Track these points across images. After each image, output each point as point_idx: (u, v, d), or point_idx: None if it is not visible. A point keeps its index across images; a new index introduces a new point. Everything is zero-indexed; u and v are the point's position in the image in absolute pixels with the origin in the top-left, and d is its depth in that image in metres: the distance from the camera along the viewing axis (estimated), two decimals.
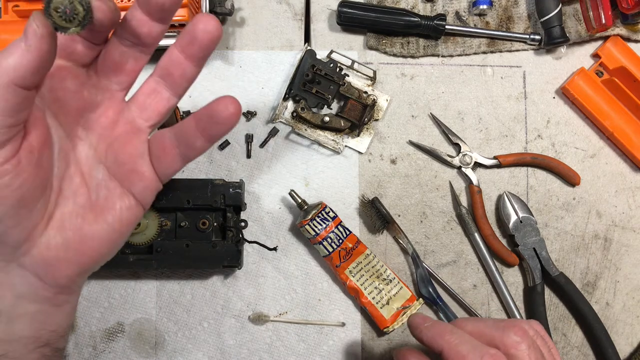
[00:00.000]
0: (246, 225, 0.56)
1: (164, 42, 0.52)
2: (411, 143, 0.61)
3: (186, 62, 0.35)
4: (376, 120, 0.61)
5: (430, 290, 0.58)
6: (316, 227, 0.55)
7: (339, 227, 0.56)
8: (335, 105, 0.61)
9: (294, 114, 0.59)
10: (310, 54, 0.58)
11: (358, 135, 0.60)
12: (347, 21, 0.59)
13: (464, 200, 0.60)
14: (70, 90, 0.33)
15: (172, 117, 0.57)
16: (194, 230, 0.56)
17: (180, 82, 0.36)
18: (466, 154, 0.60)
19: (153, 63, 0.36)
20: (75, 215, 0.35)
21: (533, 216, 0.59)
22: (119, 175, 0.36)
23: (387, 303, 0.56)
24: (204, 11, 0.56)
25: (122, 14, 0.33)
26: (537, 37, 0.61)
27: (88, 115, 0.35)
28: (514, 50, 0.62)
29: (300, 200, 0.57)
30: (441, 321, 0.45)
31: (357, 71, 0.61)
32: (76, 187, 0.35)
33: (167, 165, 0.37)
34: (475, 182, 0.60)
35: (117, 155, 0.36)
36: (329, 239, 0.56)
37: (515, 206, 0.59)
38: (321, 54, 0.59)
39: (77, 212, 0.35)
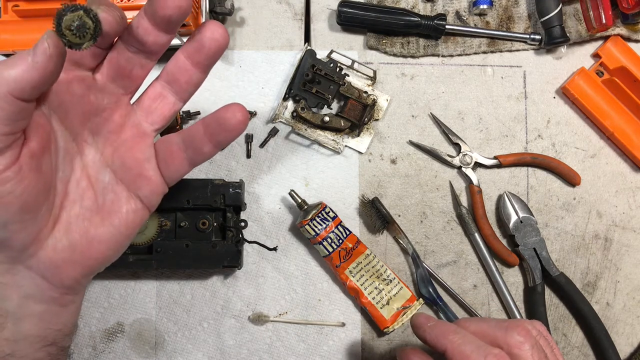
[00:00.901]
0: (246, 225, 0.56)
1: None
2: (411, 143, 0.61)
3: (193, 69, 0.35)
4: (376, 120, 0.61)
5: (431, 290, 0.58)
6: (316, 227, 0.55)
7: (339, 227, 0.56)
8: (335, 105, 0.61)
9: (294, 114, 0.59)
10: (310, 54, 0.58)
11: (358, 135, 0.60)
12: (347, 21, 0.59)
13: (464, 200, 0.60)
14: (77, 94, 0.33)
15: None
16: (194, 230, 0.56)
17: (186, 88, 0.36)
18: (466, 154, 0.60)
19: (160, 64, 0.36)
20: (81, 218, 0.35)
21: (533, 216, 0.59)
22: (125, 179, 0.36)
23: (387, 303, 0.56)
24: (203, 11, 0.56)
25: (127, 13, 0.33)
26: (538, 37, 0.61)
27: (94, 119, 0.35)
28: (514, 50, 0.62)
29: (300, 200, 0.57)
30: (444, 321, 0.45)
31: (357, 71, 0.61)
32: (83, 190, 0.35)
33: (174, 169, 0.38)
34: (475, 182, 0.59)
35: (123, 159, 0.36)
36: (329, 239, 0.56)
37: (516, 206, 0.59)
38: (321, 54, 0.59)
39: (84, 215, 0.35)
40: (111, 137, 0.36)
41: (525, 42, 0.61)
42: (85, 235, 0.35)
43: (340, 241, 0.56)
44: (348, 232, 0.57)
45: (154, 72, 0.37)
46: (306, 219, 0.55)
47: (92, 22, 0.28)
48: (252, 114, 0.60)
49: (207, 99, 0.61)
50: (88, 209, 0.35)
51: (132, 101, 0.37)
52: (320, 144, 0.60)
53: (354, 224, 0.60)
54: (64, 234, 0.34)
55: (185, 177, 0.59)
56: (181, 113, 0.59)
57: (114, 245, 0.36)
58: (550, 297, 0.60)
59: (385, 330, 0.56)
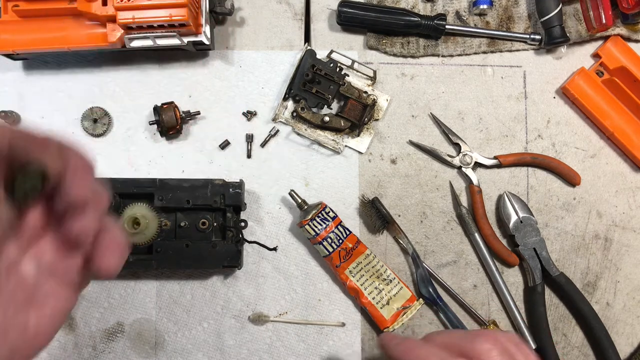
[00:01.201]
0: (246, 225, 0.56)
1: (164, 42, 0.52)
2: (411, 143, 0.61)
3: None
4: (376, 120, 0.61)
5: (431, 290, 0.58)
6: (316, 227, 0.55)
7: (339, 227, 0.56)
8: (335, 105, 0.61)
9: (294, 114, 0.59)
10: (310, 54, 0.58)
11: (358, 135, 0.60)
12: (347, 21, 0.59)
13: (464, 200, 0.60)
14: None
15: (172, 117, 0.57)
16: (194, 230, 0.56)
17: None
18: (466, 154, 0.60)
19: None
20: (17, 318, 0.34)
21: (533, 216, 0.59)
22: (53, 271, 0.37)
23: (387, 303, 0.56)
24: (203, 11, 0.56)
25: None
26: (538, 37, 0.61)
27: (8, 226, 0.35)
28: (514, 50, 0.62)
29: (300, 200, 0.57)
30: (410, 338, 0.46)
31: (357, 71, 0.61)
32: (13, 288, 0.35)
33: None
34: (475, 182, 0.59)
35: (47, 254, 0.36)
36: (329, 239, 0.56)
37: (516, 206, 0.59)
38: (321, 54, 0.59)
39: (19, 314, 0.35)
40: (30, 238, 0.36)
41: (525, 42, 0.61)
42: (23, 335, 0.34)
43: (340, 241, 0.56)
44: (348, 232, 0.57)
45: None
46: (306, 219, 0.55)
47: (43, 180, 0.28)
48: (252, 114, 0.60)
49: (207, 99, 0.60)
50: (21, 307, 0.35)
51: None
52: (320, 144, 0.60)
53: (354, 224, 0.60)
54: (3, 341, 0.34)
55: (185, 177, 0.59)
56: (181, 113, 0.59)
57: (51, 331, 0.36)
58: (550, 297, 0.60)
59: (385, 330, 0.56)
